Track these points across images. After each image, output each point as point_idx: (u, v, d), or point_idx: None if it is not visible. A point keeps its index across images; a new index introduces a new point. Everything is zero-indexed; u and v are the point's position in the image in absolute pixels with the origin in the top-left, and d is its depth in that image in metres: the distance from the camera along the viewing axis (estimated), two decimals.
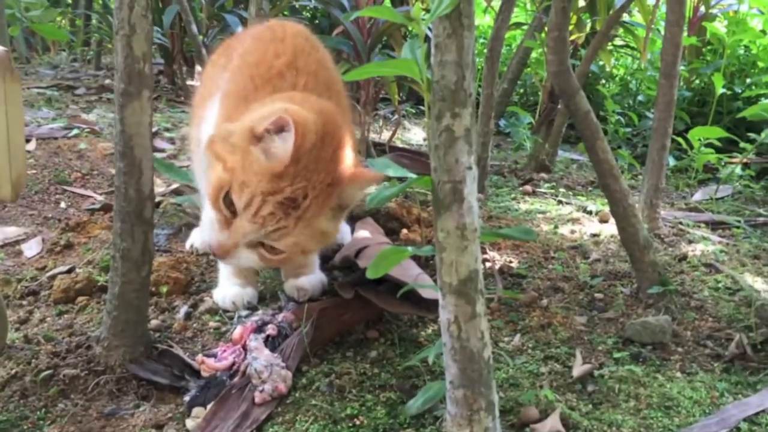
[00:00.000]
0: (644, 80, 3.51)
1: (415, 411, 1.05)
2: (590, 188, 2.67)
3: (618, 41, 3.70)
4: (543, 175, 2.80)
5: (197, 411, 1.14)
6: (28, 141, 2.47)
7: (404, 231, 1.89)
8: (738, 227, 2.12)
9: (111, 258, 1.22)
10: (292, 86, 1.31)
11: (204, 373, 1.22)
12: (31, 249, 1.74)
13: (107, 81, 4.15)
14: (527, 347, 1.36)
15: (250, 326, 1.30)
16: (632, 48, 3.63)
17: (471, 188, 0.86)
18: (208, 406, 1.14)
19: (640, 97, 3.54)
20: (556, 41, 1.49)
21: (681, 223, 2.14)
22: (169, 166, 2.08)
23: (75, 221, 1.89)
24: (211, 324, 1.40)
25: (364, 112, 2.79)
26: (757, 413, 1.14)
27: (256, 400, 1.14)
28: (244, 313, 1.43)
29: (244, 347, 1.26)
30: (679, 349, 1.36)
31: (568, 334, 1.41)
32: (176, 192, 2.13)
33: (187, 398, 1.16)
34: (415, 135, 3.59)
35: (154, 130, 2.76)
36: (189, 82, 3.99)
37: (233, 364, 1.23)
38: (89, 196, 2.16)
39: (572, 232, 2.05)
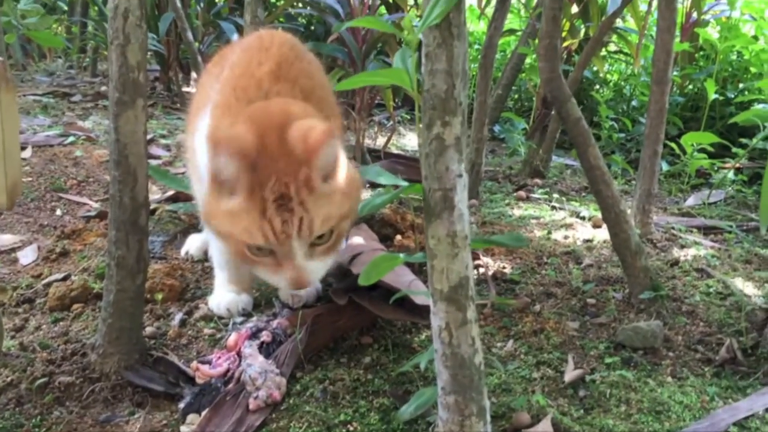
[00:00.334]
0: (638, 86, 3.53)
1: (408, 417, 1.06)
2: (584, 193, 2.69)
3: (611, 47, 3.73)
4: (537, 180, 2.81)
5: (192, 418, 1.15)
6: (24, 148, 2.48)
7: (398, 237, 1.90)
8: (730, 232, 2.13)
9: (106, 266, 1.23)
10: (267, 95, 1.28)
11: (199, 380, 1.23)
12: (26, 257, 1.75)
13: (103, 88, 4.16)
14: (520, 352, 1.37)
15: (244, 333, 1.31)
16: (625, 54, 3.65)
17: (461, 196, 0.87)
18: (203, 413, 1.14)
19: (633, 103, 3.56)
20: (547, 49, 1.51)
21: (673, 228, 2.16)
22: (164, 173, 2.09)
23: (71, 228, 1.89)
24: (206, 331, 1.41)
25: (359, 118, 2.80)
26: (747, 417, 1.15)
27: (251, 406, 1.15)
28: (238, 319, 1.44)
29: (239, 354, 1.27)
30: (670, 354, 1.37)
31: (560, 339, 1.42)
32: (171, 199, 2.14)
33: (181, 405, 1.17)
34: (410, 141, 3.60)
35: (149, 137, 2.78)
36: (185, 89, 4.00)
37: (228, 370, 1.24)
38: (85, 204, 2.16)
39: (565, 237, 2.06)
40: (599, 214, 1.83)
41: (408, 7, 3.59)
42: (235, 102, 1.29)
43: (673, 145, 2.72)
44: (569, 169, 3.17)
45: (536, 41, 2.96)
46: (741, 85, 3.26)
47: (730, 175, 2.71)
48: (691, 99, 3.35)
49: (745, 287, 1.67)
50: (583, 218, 2.26)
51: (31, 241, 1.85)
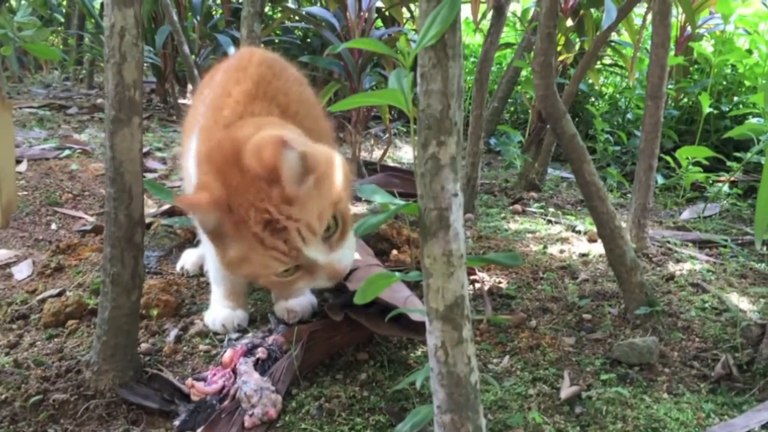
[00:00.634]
0: (633, 99, 3.55)
1: None
2: (579, 207, 2.69)
3: (606, 60, 3.74)
4: (533, 193, 2.82)
5: None
6: (19, 162, 2.48)
7: (394, 252, 1.91)
8: (725, 246, 2.14)
9: (101, 283, 1.23)
10: (242, 115, 1.29)
11: (194, 397, 1.23)
12: (21, 272, 1.75)
13: (99, 100, 4.17)
14: (516, 369, 1.37)
15: (240, 349, 1.31)
16: (620, 67, 3.67)
17: (457, 215, 0.87)
18: (198, 431, 1.14)
19: (628, 116, 3.57)
20: (542, 66, 1.51)
21: (669, 242, 2.16)
22: (160, 187, 2.08)
23: (66, 243, 1.89)
24: (201, 347, 1.41)
25: (355, 131, 2.81)
26: None
27: (246, 424, 1.14)
28: (234, 335, 1.43)
29: (234, 371, 1.26)
30: (666, 370, 1.37)
31: (556, 355, 1.42)
32: (167, 213, 2.14)
33: (177, 422, 1.17)
34: (406, 154, 3.61)
35: (145, 150, 2.78)
36: (181, 101, 4.01)
37: (223, 387, 1.23)
38: (80, 218, 2.16)
39: (561, 251, 2.06)
40: (595, 228, 1.83)
41: (404, 21, 3.61)
42: (214, 124, 1.30)
43: (668, 158, 2.73)
44: (565, 182, 3.18)
45: (532, 55, 2.97)
46: (735, 99, 3.28)
47: (725, 188, 2.72)
48: (685, 112, 3.36)
49: (741, 302, 1.68)
50: (578, 232, 2.27)
51: (26, 256, 1.85)
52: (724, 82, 3.32)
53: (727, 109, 3.19)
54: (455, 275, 0.87)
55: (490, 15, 2.30)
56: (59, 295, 1.60)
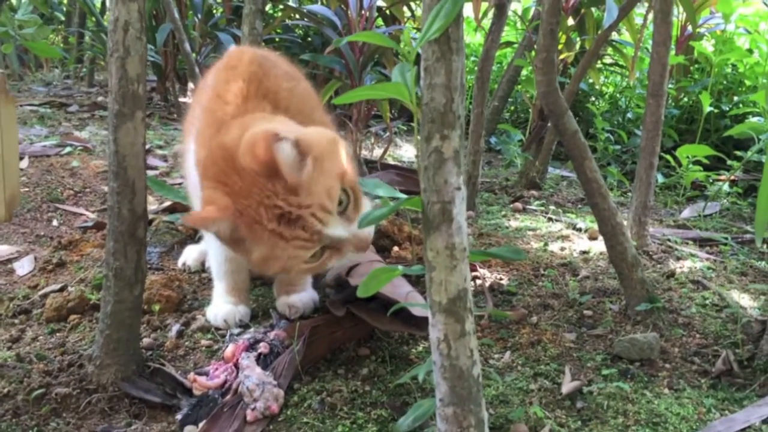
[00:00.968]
0: (633, 98, 3.55)
1: (406, 428, 1.05)
2: (580, 205, 2.70)
3: (607, 59, 3.75)
4: (533, 192, 2.82)
5: (189, 429, 1.14)
6: (21, 159, 2.48)
7: (395, 248, 1.91)
8: (725, 244, 2.14)
9: (104, 277, 1.23)
10: (234, 116, 1.29)
11: (196, 392, 1.23)
12: (23, 267, 1.75)
13: (100, 98, 4.17)
14: (517, 364, 1.37)
15: (242, 344, 1.31)
16: (621, 66, 3.67)
17: (460, 208, 0.87)
18: (200, 425, 1.14)
19: (629, 115, 3.58)
20: (544, 63, 1.52)
21: (669, 240, 2.17)
22: (161, 184, 2.10)
23: (67, 239, 1.89)
24: (203, 342, 1.41)
25: (356, 129, 2.82)
26: (744, 429, 1.15)
27: (248, 418, 1.15)
28: (236, 330, 1.43)
29: (236, 365, 1.27)
30: (667, 366, 1.37)
31: (557, 351, 1.42)
32: (169, 209, 2.14)
33: (179, 416, 1.17)
34: (406, 152, 3.62)
35: (146, 147, 2.78)
36: (182, 99, 4.01)
37: (225, 382, 1.24)
38: (82, 214, 2.16)
39: (562, 249, 2.06)
40: (595, 226, 1.84)
41: (405, 19, 3.61)
42: (207, 127, 1.30)
43: (668, 157, 2.74)
44: (565, 180, 3.18)
45: (533, 53, 2.97)
46: (736, 98, 3.28)
47: (725, 187, 2.72)
48: (686, 111, 3.36)
49: (741, 299, 1.68)
50: (579, 230, 2.27)
51: (27, 252, 1.85)
52: (725, 82, 3.33)
53: (728, 108, 3.20)
54: (458, 268, 0.88)
55: (491, 13, 2.30)
56: (61, 290, 1.61)
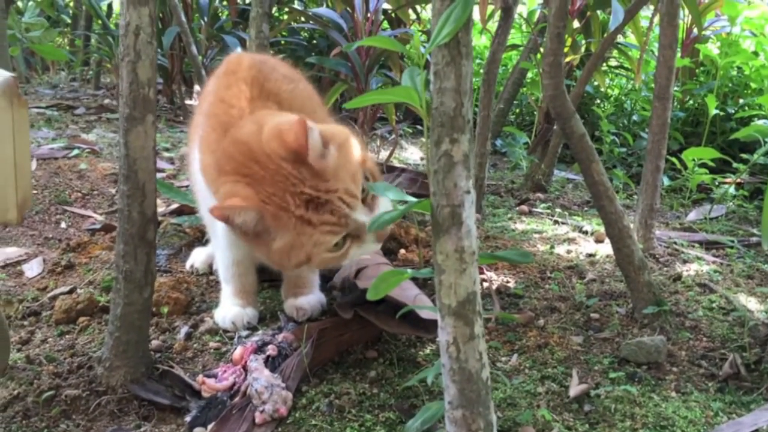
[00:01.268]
0: (638, 100, 3.55)
1: (415, 431, 1.06)
2: (586, 208, 2.70)
3: (612, 62, 3.75)
4: (539, 195, 2.82)
5: (198, 431, 1.15)
6: None
7: (402, 251, 1.91)
8: (732, 247, 2.14)
9: (113, 279, 1.24)
10: (239, 118, 1.31)
11: (205, 394, 1.23)
12: (32, 269, 1.76)
13: (106, 101, 4.18)
14: (524, 367, 1.37)
15: (250, 346, 1.32)
16: (626, 69, 3.68)
17: (469, 212, 0.88)
18: (209, 427, 1.15)
19: (634, 117, 3.58)
20: (551, 66, 1.52)
21: (675, 242, 2.17)
22: (169, 186, 2.11)
23: (76, 241, 1.90)
24: (212, 344, 1.42)
25: (362, 131, 2.82)
26: None
27: (257, 420, 1.15)
28: (244, 333, 1.44)
29: (245, 368, 1.27)
30: (674, 369, 1.38)
31: (564, 354, 1.42)
32: (176, 212, 2.15)
33: (188, 418, 1.18)
34: (412, 155, 3.62)
35: None
36: (188, 102, 4.02)
37: (234, 384, 1.24)
38: (89, 216, 2.18)
39: (568, 252, 2.07)
40: (602, 229, 1.84)
41: (411, 22, 3.62)
42: (212, 132, 1.32)
43: (674, 160, 2.74)
44: (571, 183, 3.18)
45: (538, 56, 2.98)
46: (741, 101, 3.28)
47: (731, 190, 2.72)
48: (691, 114, 3.36)
49: (748, 302, 1.68)
50: (585, 233, 2.28)
51: (36, 254, 1.86)
52: (730, 84, 3.33)
53: (733, 110, 3.20)
54: (467, 271, 0.88)
55: (497, 16, 2.31)
56: (70, 292, 1.62)
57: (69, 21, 5.37)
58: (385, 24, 3.63)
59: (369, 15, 2.86)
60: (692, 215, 2.59)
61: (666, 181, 2.91)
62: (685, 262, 2.00)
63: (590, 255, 2.04)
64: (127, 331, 1.23)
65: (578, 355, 1.43)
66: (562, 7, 1.53)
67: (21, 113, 1.00)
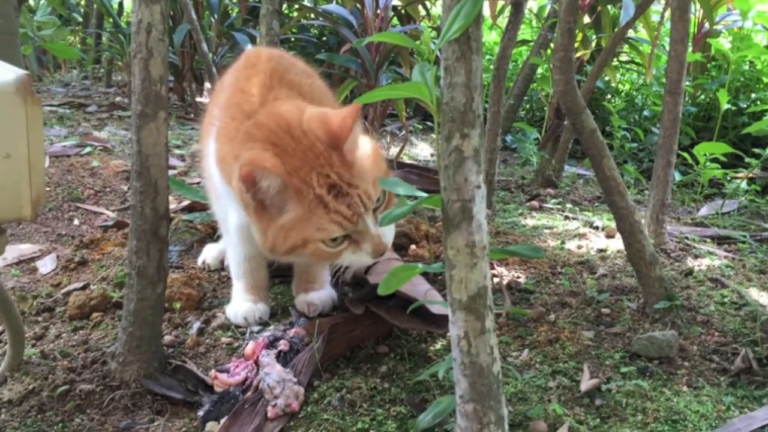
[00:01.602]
0: (649, 95, 3.54)
1: (426, 425, 1.07)
2: (596, 203, 2.69)
3: (623, 57, 3.73)
4: (549, 190, 2.82)
5: (211, 425, 1.16)
6: None
7: (413, 247, 1.92)
8: (744, 242, 2.13)
9: (126, 275, 1.25)
10: (263, 105, 1.32)
11: (217, 388, 1.24)
12: (45, 266, 1.77)
13: (118, 98, 4.20)
14: (535, 362, 1.37)
15: (262, 342, 1.32)
16: (637, 64, 3.66)
17: (480, 206, 0.88)
18: (222, 421, 1.16)
19: (645, 113, 3.56)
20: (562, 61, 1.52)
21: (687, 238, 2.16)
22: (180, 183, 2.12)
23: (89, 238, 1.92)
24: (224, 339, 1.43)
25: (372, 128, 2.83)
26: (763, 427, 1.15)
27: (269, 414, 1.16)
28: (255, 328, 1.45)
29: (257, 362, 1.28)
30: (686, 364, 1.37)
31: (575, 348, 1.42)
32: (187, 209, 2.16)
33: (200, 413, 1.19)
34: (422, 151, 3.62)
35: None
36: (198, 99, 4.04)
37: (246, 379, 1.25)
38: (102, 213, 2.19)
39: (579, 247, 2.06)
40: (612, 224, 1.84)
41: (420, 18, 3.62)
42: (231, 121, 1.33)
43: (685, 155, 2.73)
44: (581, 178, 3.18)
45: (548, 51, 2.97)
46: (753, 95, 3.27)
47: (743, 185, 2.71)
48: (703, 109, 3.35)
49: (760, 297, 1.67)
50: (596, 228, 2.27)
51: (49, 251, 1.88)
52: (742, 79, 3.31)
53: (745, 105, 3.18)
54: (478, 266, 0.89)
55: (507, 12, 2.30)
56: (83, 288, 1.63)
57: (80, 19, 5.40)
58: (395, 20, 3.63)
59: (379, 11, 2.86)
60: (704, 210, 2.58)
61: (677, 177, 2.90)
62: (696, 257, 1.99)
63: (601, 250, 2.04)
64: (140, 327, 1.24)
65: (589, 349, 1.43)
66: (573, 2, 1.53)
67: (34, 110, 1.01)
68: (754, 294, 1.69)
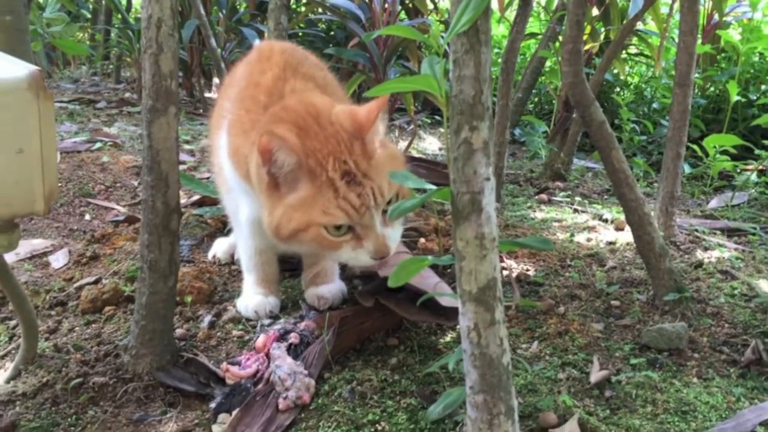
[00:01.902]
0: (659, 88, 3.52)
1: (436, 416, 1.07)
2: (605, 196, 2.69)
3: (632, 49, 3.72)
4: (558, 183, 2.82)
5: (223, 417, 1.17)
6: None
7: (422, 240, 1.92)
8: (753, 234, 2.13)
9: (138, 269, 1.26)
10: (280, 96, 1.34)
11: (229, 381, 1.25)
12: (58, 260, 1.79)
13: (127, 94, 4.22)
14: (545, 354, 1.38)
15: (272, 335, 1.33)
16: (646, 56, 3.65)
17: (489, 199, 0.88)
18: (234, 413, 1.17)
19: (654, 105, 3.55)
20: (571, 53, 1.52)
21: (696, 230, 2.15)
22: (190, 178, 2.13)
23: (100, 233, 1.93)
24: (235, 333, 1.44)
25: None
26: None
27: (280, 406, 1.17)
28: (266, 321, 1.46)
29: (268, 355, 1.29)
30: (696, 355, 1.38)
31: (585, 340, 1.43)
32: (198, 203, 2.17)
33: (212, 405, 1.20)
34: (430, 145, 3.62)
35: None
36: (207, 95, 4.05)
37: (257, 371, 1.26)
38: (113, 208, 2.20)
39: (588, 240, 2.06)
40: (622, 217, 1.84)
41: (428, 12, 3.61)
42: (246, 113, 1.34)
43: (695, 147, 2.72)
44: (590, 171, 3.17)
45: (557, 44, 2.97)
46: (763, 87, 3.25)
47: (753, 177, 2.70)
48: (713, 101, 3.33)
49: None
50: (605, 221, 2.27)
51: (61, 245, 1.89)
52: (752, 70, 3.29)
53: (755, 97, 3.16)
54: (488, 258, 0.89)
55: (515, 4, 2.30)
56: (96, 282, 1.64)
57: (89, 16, 5.41)
58: (403, 14, 3.63)
59: (386, 5, 2.86)
60: (713, 202, 2.58)
61: (687, 169, 2.89)
62: (706, 249, 1.99)
63: (610, 243, 2.04)
64: (152, 320, 1.25)
65: (599, 341, 1.43)
66: None
67: (46, 106, 1.02)
68: (764, 286, 1.68)
